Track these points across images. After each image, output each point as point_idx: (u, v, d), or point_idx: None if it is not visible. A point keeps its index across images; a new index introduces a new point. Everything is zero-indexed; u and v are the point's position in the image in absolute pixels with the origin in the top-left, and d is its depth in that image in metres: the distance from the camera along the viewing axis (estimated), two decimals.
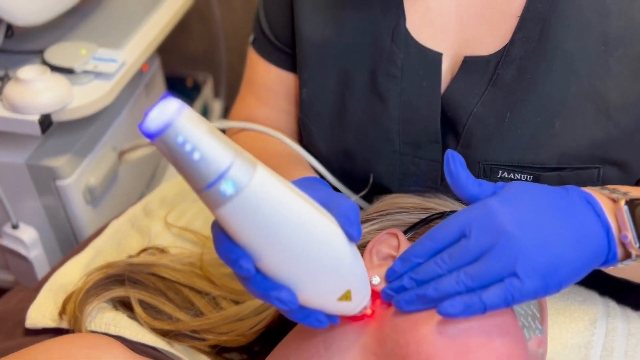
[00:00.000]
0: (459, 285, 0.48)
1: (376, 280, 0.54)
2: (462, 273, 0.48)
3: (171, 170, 1.19)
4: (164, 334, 0.69)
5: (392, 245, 0.57)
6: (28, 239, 0.99)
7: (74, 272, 0.74)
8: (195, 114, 0.38)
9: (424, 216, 0.60)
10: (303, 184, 0.49)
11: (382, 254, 0.56)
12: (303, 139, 0.81)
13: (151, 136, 0.36)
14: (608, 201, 0.52)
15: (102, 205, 1.07)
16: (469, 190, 0.51)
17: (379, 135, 0.72)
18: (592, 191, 0.53)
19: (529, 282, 0.46)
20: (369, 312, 0.52)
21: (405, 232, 0.58)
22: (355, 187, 0.78)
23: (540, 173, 0.65)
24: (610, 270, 0.62)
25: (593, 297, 0.74)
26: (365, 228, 0.61)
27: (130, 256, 0.76)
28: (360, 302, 0.49)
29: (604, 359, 0.67)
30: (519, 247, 0.47)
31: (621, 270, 0.61)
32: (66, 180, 0.96)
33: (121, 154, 1.02)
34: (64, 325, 0.68)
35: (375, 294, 0.54)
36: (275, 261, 0.43)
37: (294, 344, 0.56)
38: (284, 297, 0.44)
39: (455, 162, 0.51)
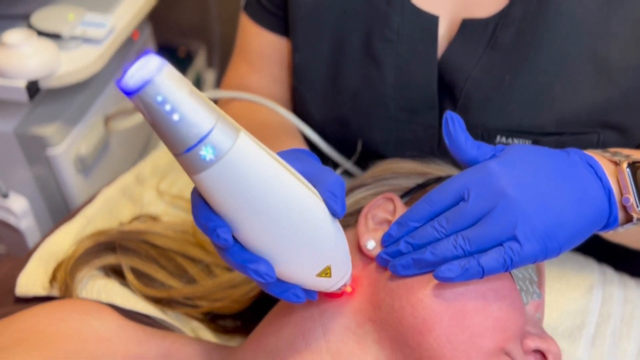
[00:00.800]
0: (456, 249, 0.47)
1: (371, 244, 0.53)
2: (459, 237, 0.47)
3: None
4: (156, 301, 0.68)
5: (388, 209, 0.56)
6: (18, 208, 0.97)
7: (65, 240, 0.73)
8: (177, 73, 0.36)
9: (420, 181, 0.59)
10: (290, 156, 0.48)
11: (378, 218, 0.55)
12: (296, 107, 0.79)
13: (129, 93, 0.35)
14: (609, 164, 0.51)
15: (94, 175, 1.05)
16: (468, 153, 0.50)
17: (374, 101, 0.70)
18: (594, 154, 0.52)
19: (528, 246, 0.45)
20: (348, 289, 0.51)
21: (401, 197, 0.57)
22: (349, 156, 0.77)
23: (539, 138, 0.64)
24: (610, 235, 0.61)
25: (590, 264, 0.73)
26: (361, 193, 0.60)
27: (122, 224, 0.74)
28: (340, 279, 0.48)
29: (600, 325, 0.67)
30: (519, 210, 0.46)
31: (620, 235, 0.60)
32: (56, 149, 0.95)
33: (107, 120, 1.00)
34: (55, 293, 0.67)
35: (370, 259, 0.53)
36: (254, 232, 0.42)
37: (287, 309, 0.55)
38: (261, 270, 0.43)
39: (454, 124, 0.50)
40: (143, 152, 1.23)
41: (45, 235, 0.76)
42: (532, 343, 0.50)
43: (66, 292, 0.65)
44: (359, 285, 0.52)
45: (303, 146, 0.67)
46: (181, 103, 0.35)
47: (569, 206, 0.47)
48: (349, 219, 0.59)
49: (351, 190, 0.62)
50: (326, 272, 0.46)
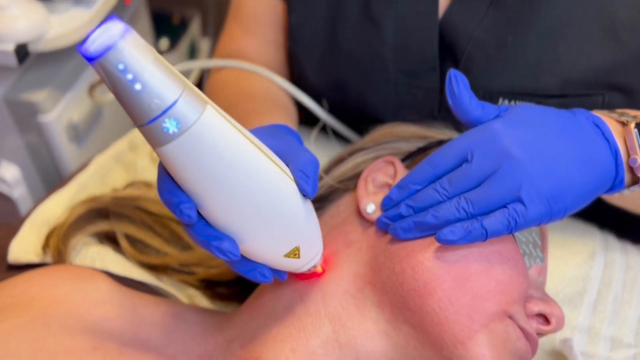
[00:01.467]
0: (459, 211, 0.46)
1: (371, 208, 0.52)
2: (462, 199, 0.46)
3: None
4: (151, 268, 0.67)
5: (388, 173, 0.54)
6: (10, 177, 0.95)
7: (57, 207, 0.71)
8: (141, 40, 0.34)
9: (421, 144, 0.57)
10: (266, 132, 0.47)
11: (378, 182, 0.54)
12: (293, 73, 0.77)
13: (90, 59, 0.33)
14: (617, 124, 0.49)
15: (87, 143, 1.03)
16: (472, 113, 0.48)
17: (373, 64, 0.68)
18: (600, 114, 0.50)
19: (533, 208, 0.44)
20: (319, 270, 0.50)
21: (402, 160, 0.56)
22: (348, 122, 0.75)
23: (542, 100, 0.63)
24: (614, 198, 0.60)
25: (592, 230, 0.72)
26: (360, 157, 0.59)
27: (115, 190, 0.73)
28: (310, 260, 0.47)
29: (602, 291, 0.66)
30: (524, 171, 0.45)
31: (624, 198, 0.59)
32: (47, 115, 0.92)
33: (92, 90, 0.97)
34: (48, 260, 0.66)
35: (369, 223, 0.52)
36: (218, 209, 0.40)
37: None
38: (225, 248, 0.41)
39: (458, 82, 0.48)
40: None
41: (37, 202, 0.75)
42: (535, 307, 0.49)
43: (59, 258, 0.64)
44: (329, 265, 0.51)
45: (288, 120, 0.64)
46: (144, 72, 0.34)
47: (574, 167, 0.46)
48: (348, 183, 0.57)
49: (351, 154, 0.60)
50: (295, 253, 0.45)
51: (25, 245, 0.67)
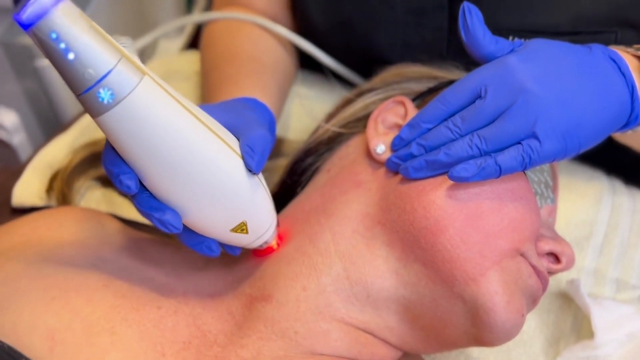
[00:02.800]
0: (472, 149, 0.45)
1: (381, 149, 0.51)
2: (475, 136, 0.45)
3: (159, 50, 1.13)
4: None
5: (398, 113, 0.53)
6: (9, 123, 0.94)
7: (60, 151, 0.71)
8: (75, 9, 0.35)
9: (432, 85, 0.56)
10: (224, 107, 0.46)
11: (388, 122, 0.53)
12: (298, 18, 0.74)
13: (24, 26, 0.33)
14: (633, 59, 0.48)
15: None
16: (486, 48, 0.47)
17: (380, 3, 0.66)
18: (617, 49, 0.49)
19: (548, 144, 0.44)
20: (274, 246, 0.50)
21: (412, 101, 0.55)
22: (355, 66, 0.74)
23: (554, 38, 0.61)
24: (626, 136, 0.59)
25: (599, 175, 0.72)
26: (370, 98, 0.57)
27: None
28: (260, 236, 0.47)
29: (609, 235, 0.66)
30: (539, 106, 0.44)
31: (637, 136, 0.58)
32: (44, 59, 0.90)
33: None
34: (52, 203, 0.65)
35: (379, 164, 0.51)
36: (158, 182, 0.41)
37: (292, 215, 0.53)
38: (166, 220, 0.41)
39: (471, 16, 0.47)
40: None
41: (37, 148, 0.74)
42: (547, 245, 0.49)
43: (64, 202, 0.64)
44: (286, 239, 0.51)
45: (267, 90, 0.62)
46: (77, 41, 0.34)
47: (590, 102, 0.45)
48: (357, 125, 0.56)
49: (359, 95, 0.59)
50: (242, 229, 0.45)
51: (29, 189, 0.66)
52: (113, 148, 0.40)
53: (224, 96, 0.57)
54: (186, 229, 0.45)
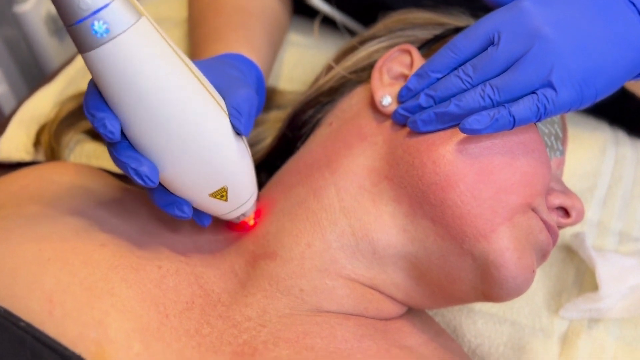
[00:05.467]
0: (484, 99, 0.43)
1: (387, 100, 0.49)
2: (488, 86, 0.43)
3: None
4: None
5: (404, 62, 0.51)
6: None
7: (46, 103, 0.67)
8: None
9: (438, 32, 0.53)
10: (210, 64, 0.44)
11: (394, 72, 0.51)
12: None
13: None
14: None
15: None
16: None
17: None
18: None
19: (564, 92, 0.42)
20: (250, 222, 0.48)
21: (418, 49, 0.52)
22: (354, 13, 0.70)
23: None
24: (638, 85, 0.57)
25: (602, 126, 0.71)
26: (373, 46, 0.55)
27: None
28: (239, 206, 0.45)
29: (612, 187, 0.65)
30: (556, 53, 0.42)
31: None
32: (23, 5, 0.86)
33: None
34: (40, 158, 0.63)
35: (385, 116, 0.49)
36: (141, 130, 0.39)
37: (295, 170, 0.52)
38: (143, 172, 0.39)
39: None
40: None
41: (22, 100, 0.71)
42: (557, 199, 0.47)
43: (52, 156, 0.61)
44: (262, 218, 0.49)
45: (252, 47, 0.58)
46: None
47: (608, 48, 0.43)
48: (361, 75, 0.54)
49: (362, 43, 0.56)
50: (221, 195, 0.43)
51: (14, 143, 0.63)
52: (97, 91, 0.38)
53: (209, 53, 0.54)
54: (160, 187, 0.43)
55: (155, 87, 0.37)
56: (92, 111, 0.38)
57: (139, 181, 0.40)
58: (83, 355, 0.37)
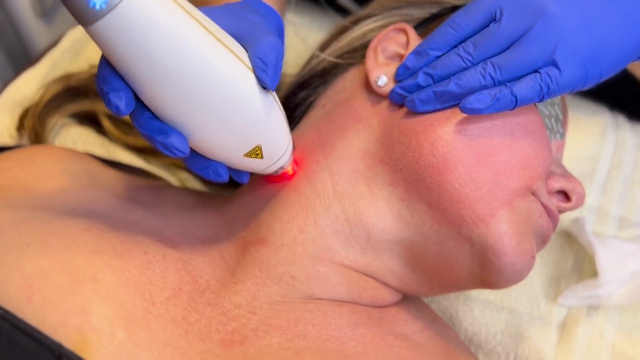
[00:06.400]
0: (485, 78, 0.41)
1: (383, 80, 0.47)
2: (489, 64, 0.41)
3: None
4: (138, 150, 0.62)
5: (400, 42, 0.49)
6: None
7: (30, 86, 0.65)
8: None
9: (435, 10, 0.52)
10: (228, 11, 0.40)
11: (389, 52, 0.49)
12: None
13: None
14: None
15: (56, 21, 0.95)
16: None
17: None
18: None
19: (568, 71, 0.40)
20: (289, 171, 0.46)
21: (415, 28, 0.50)
22: None
23: None
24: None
25: (602, 110, 0.69)
26: (368, 25, 0.53)
27: (93, 66, 0.67)
28: (276, 160, 0.42)
29: (612, 171, 0.64)
30: (560, 30, 0.40)
31: None
32: None
33: None
34: (25, 142, 0.61)
35: (380, 97, 0.48)
36: (161, 100, 0.36)
37: None
38: (171, 143, 0.37)
39: None
40: None
41: (5, 84, 0.69)
42: (557, 183, 0.46)
43: (36, 140, 0.60)
44: (302, 165, 0.47)
45: None
46: None
47: (613, 26, 0.41)
48: (354, 55, 0.52)
49: (355, 22, 0.54)
50: (256, 153, 0.40)
51: None
52: (108, 63, 0.35)
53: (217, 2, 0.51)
54: (192, 152, 0.40)
55: (168, 52, 0.34)
56: (100, 85, 0.35)
57: (169, 154, 0.37)
58: (63, 343, 0.35)
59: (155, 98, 0.36)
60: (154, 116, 0.37)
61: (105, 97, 0.35)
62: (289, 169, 0.46)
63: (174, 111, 0.36)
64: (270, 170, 0.43)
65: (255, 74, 0.37)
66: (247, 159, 0.40)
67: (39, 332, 0.35)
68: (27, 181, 0.46)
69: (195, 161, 0.40)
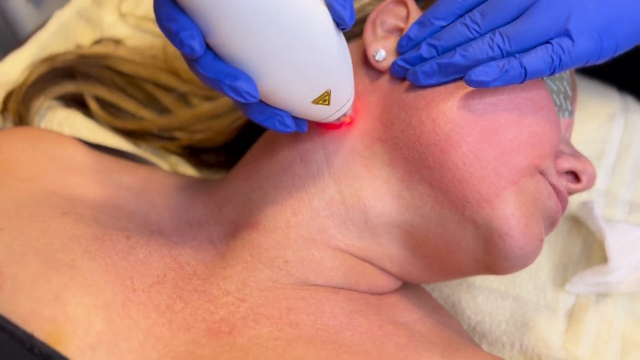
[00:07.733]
0: (492, 49, 0.39)
1: (381, 55, 0.45)
2: (497, 34, 0.39)
3: None
4: (127, 134, 0.60)
5: (399, 15, 0.46)
6: None
7: (15, 69, 0.63)
8: None
9: None
10: None
11: (388, 25, 0.46)
12: None
13: None
14: None
15: (46, 4, 0.92)
16: None
17: None
18: None
19: (582, 43, 0.37)
20: (347, 120, 0.43)
21: (415, 0, 0.48)
22: None
23: None
24: None
25: (611, 92, 0.67)
26: None
27: (80, 47, 0.64)
28: (340, 108, 0.40)
29: (621, 154, 0.62)
30: None
31: None
32: None
33: None
34: (9, 126, 0.58)
35: (379, 72, 0.45)
36: (230, 38, 0.32)
37: (280, 134, 0.47)
38: (240, 87, 0.33)
39: None
40: None
41: None
42: (566, 163, 0.43)
43: (20, 123, 0.57)
44: (359, 115, 0.44)
45: None
46: None
47: None
48: (352, 30, 0.49)
49: None
50: (324, 99, 0.37)
51: None
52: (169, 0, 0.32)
53: None
54: (258, 101, 0.37)
55: None
56: (166, 24, 0.32)
57: (238, 98, 0.34)
58: (36, 334, 0.33)
59: (224, 36, 0.32)
60: (217, 57, 0.34)
61: (175, 37, 0.32)
62: (348, 117, 0.43)
63: (243, 51, 0.33)
64: (332, 118, 0.40)
65: (331, 9, 0.34)
66: (315, 105, 0.37)
67: (9, 322, 0.33)
68: (5, 163, 0.44)
69: (260, 110, 0.37)
